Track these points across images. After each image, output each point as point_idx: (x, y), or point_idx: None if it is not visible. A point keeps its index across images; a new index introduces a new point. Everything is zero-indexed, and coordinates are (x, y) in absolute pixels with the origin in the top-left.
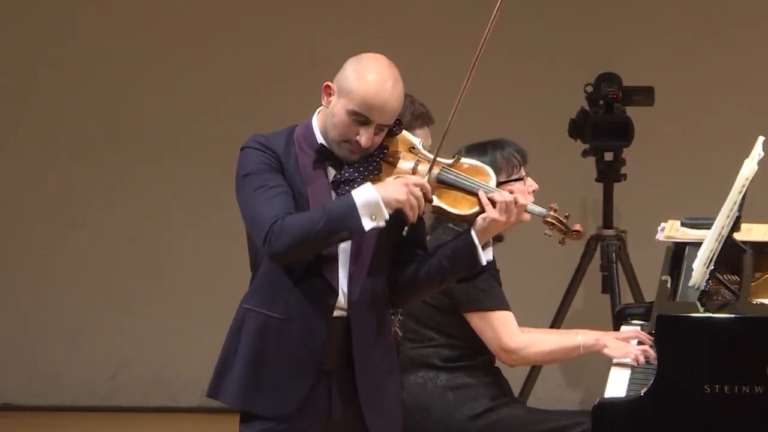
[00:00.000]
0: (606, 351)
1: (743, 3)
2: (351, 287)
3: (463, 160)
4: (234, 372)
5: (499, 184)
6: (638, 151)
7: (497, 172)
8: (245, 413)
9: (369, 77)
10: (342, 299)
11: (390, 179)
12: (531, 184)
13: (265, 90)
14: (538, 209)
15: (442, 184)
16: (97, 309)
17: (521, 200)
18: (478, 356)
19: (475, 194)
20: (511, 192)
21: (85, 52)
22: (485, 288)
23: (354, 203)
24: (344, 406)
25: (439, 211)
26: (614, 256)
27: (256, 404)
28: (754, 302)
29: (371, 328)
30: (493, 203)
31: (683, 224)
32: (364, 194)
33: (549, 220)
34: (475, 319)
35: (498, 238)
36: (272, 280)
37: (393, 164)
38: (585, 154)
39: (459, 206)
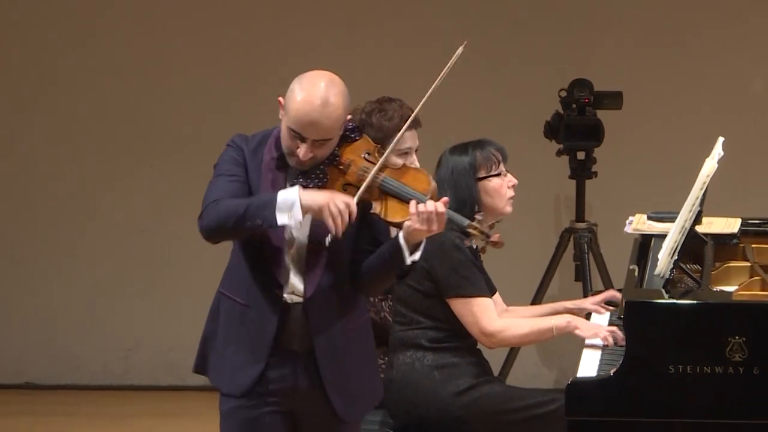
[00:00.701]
0: (577, 331)
1: (702, 15)
2: (307, 284)
3: (409, 167)
4: (209, 350)
5: (478, 180)
6: (608, 150)
7: (477, 169)
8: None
9: (301, 98)
10: (298, 289)
11: (339, 188)
12: (510, 179)
13: (268, 92)
14: (459, 218)
15: (382, 192)
16: (112, 295)
17: (441, 209)
18: (462, 338)
19: (409, 202)
20: (445, 204)
21: (99, 57)
22: (467, 276)
23: (275, 199)
24: (310, 386)
25: (377, 217)
26: (586, 247)
27: (221, 380)
28: (715, 289)
29: (330, 317)
30: (417, 213)
31: (649, 218)
32: (286, 194)
33: (469, 230)
34: (458, 305)
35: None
36: (236, 268)
37: (343, 171)
38: (559, 153)
39: (393, 215)
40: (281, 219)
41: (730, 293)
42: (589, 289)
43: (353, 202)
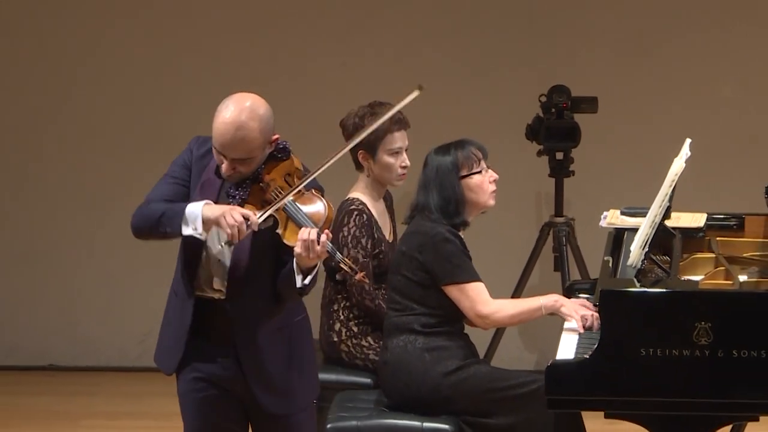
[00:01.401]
0: (563, 309)
1: (671, 27)
2: (230, 279)
3: (316, 195)
4: (160, 336)
5: (462, 178)
6: (584, 151)
7: (460, 168)
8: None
9: (219, 120)
10: (222, 286)
11: (256, 211)
12: (491, 174)
13: (269, 94)
14: (335, 253)
15: (286, 214)
16: (128, 284)
17: (320, 240)
18: (452, 323)
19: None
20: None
21: (118, 63)
22: (459, 264)
23: (183, 212)
24: (235, 378)
25: (278, 238)
26: (564, 239)
27: (157, 360)
28: (683, 279)
29: (253, 317)
30: (301, 240)
31: (623, 213)
32: (192, 207)
33: (341, 264)
34: (453, 291)
35: (461, 224)
36: (177, 261)
37: (263, 189)
38: (539, 153)
39: (288, 238)
40: (186, 230)
41: (697, 282)
42: (567, 279)
43: (254, 216)
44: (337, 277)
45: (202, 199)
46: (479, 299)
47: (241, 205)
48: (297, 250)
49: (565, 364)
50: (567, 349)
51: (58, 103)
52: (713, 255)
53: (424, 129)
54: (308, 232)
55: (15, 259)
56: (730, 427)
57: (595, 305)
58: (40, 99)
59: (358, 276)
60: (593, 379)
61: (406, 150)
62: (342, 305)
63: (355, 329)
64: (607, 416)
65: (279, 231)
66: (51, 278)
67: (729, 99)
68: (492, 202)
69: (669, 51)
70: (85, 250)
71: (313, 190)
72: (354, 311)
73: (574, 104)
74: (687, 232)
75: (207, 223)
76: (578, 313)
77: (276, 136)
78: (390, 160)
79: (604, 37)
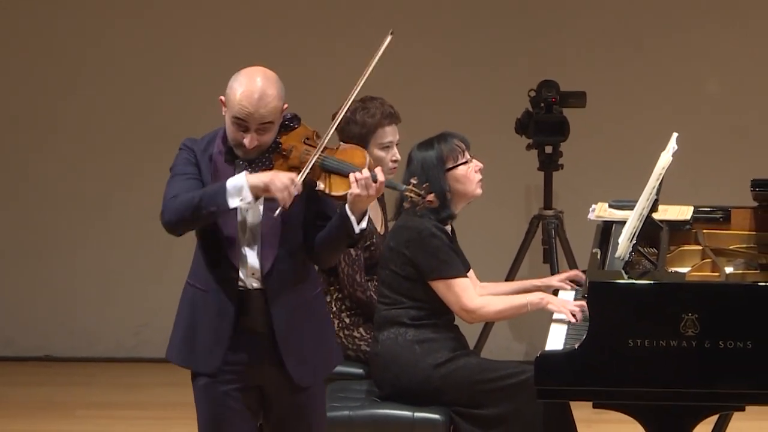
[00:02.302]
0: (549, 306)
1: (658, 23)
2: (263, 263)
3: (343, 146)
4: (176, 336)
5: (448, 170)
6: (573, 145)
7: (445, 160)
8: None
9: (240, 91)
10: (256, 271)
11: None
12: (476, 164)
13: None
14: (395, 184)
15: (324, 170)
16: (124, 277)
17: (380, 178)
18: (440, 316)
19: (347, 176)
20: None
21: (114, 62)
22: (446, 260)
23: (225, 186)
24: (270, 360)
25: (324, 195)
26: (553, 232)
27: (191, 362)
28: (670, 271)
29: (287, 292)
30: (356, 182)
31: (610, 206)
32: (234, 180)
33: (406, 193)
34: (440, 286)
35: (448, 217)
36: (198, 257)
37: (286, 156)
38: (529, 147)
39: (335, 189)
40: (233, 202)
41: (684, 274)
42: (556, 271)
43: (297, 177)
44: (405, 205)
45: None
46: (465, 294)
47: None
48: (355, 191)
49: (554, 354)
50: (556, 339)
51: (57, 99)
52: (700, 247)
53: (415, 123)
54: (362, 172)
55: (12, 251)
56: (716, 416)
57: (583, 297)
58: (38, 96)
59: (429, 198)
60: (582, 369)
61: (396, 144)
62: (334, 297)
63: (347, 320)
64: (595, 406)
65: (320, 188)
66: (47, 270)
67: (715, 94)
68: (479, 191)
69: (657, 47)
70: (82, 242)
71: (341, 143)
72: (346, 302)
73: (562, 99)
74: (674, 225)
75: (255, 190)
76: (566, 307)
77: (286, 105)
78: (381, 153)
79: (593, 32)
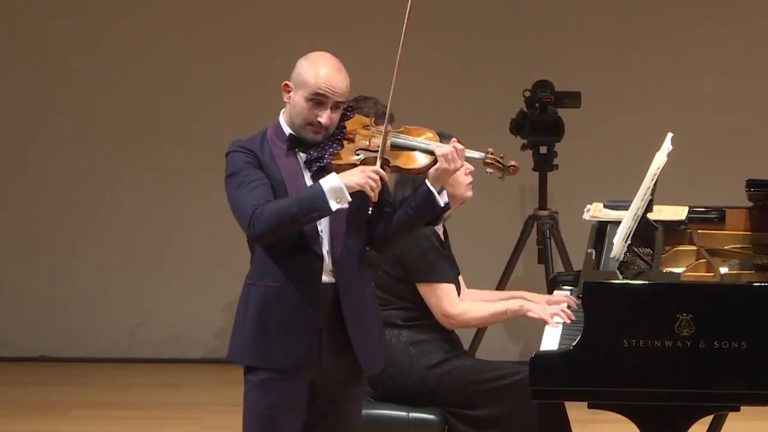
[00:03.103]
0: (529, 313)
1: (655, 20)
2: (333, 253)
3: (409, 127)
4: (245, 337)
5: None
6: (568, 145)
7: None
8: (249, 366)
9: (318, 66)
10: (327, 265)
11: (352, 158)
12: (467, 167)
13: (259, 90)
14: (476, 154)
15: (395, 147)
16: (119, 277)
17: (459, 146)
18: (432, 317)
19: (424, 150)
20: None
21: (108, 60)
22: (432, 262)
23: (322, 190)
24: (335, 357)
25: (397, 170)
26: (548, 232)
27: (267, 361)
28: (665, 271)
29: (353, 281)
30: (443, 156)
31: (605, 206)
32: (329, 182)
33: (488, 161)
34: (424, 288)
35: (437, 219)
36: (268, 256)
37: (352, 140)
38: (524, 147)
39: (411, 163)
40: (334, 205)
41: (679, 274)
42: (551, 271)
43: (380, 169)
44: (488, 171)
45: (291, 179)
46: (447, 300)
47: (332, 160)
48: (442, 165)
49: (549, 355)
50: (551, 340)
51: (54, 98)
52: (695, 247)
53: (409, 123)
54: (442, 146)
55: (7, 251)
56: (711, 416)
57: (578, 297)
58: (32, 96)
59: (512, 163)
60: (576, 370)
61: None
62: None
63: None
64: (590, 406)
65: (396, 164)
66: (43, 270)
67: (710, 94)
68: (469, 193)
69: (651, 47)
70: (76, 243)
71: (404, 125)
72: None
73: (557, 99)
74: (669, 225)
75: (351, 190)
76: (546, 313)
77: None
78: None
79: (588, 33)
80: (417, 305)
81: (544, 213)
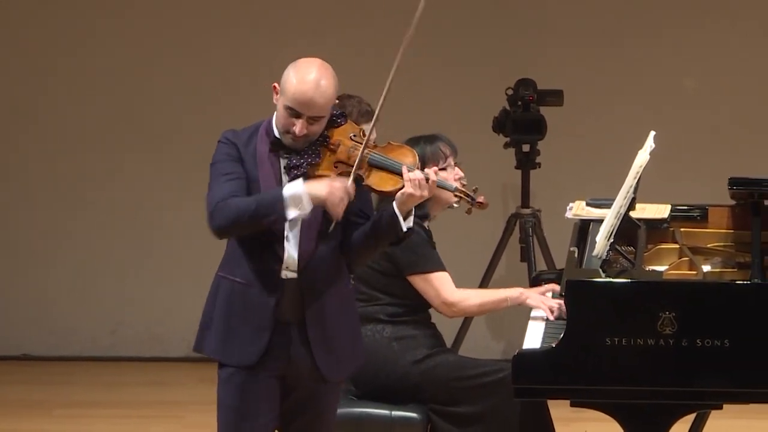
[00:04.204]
0: (528, 301)
1: (638, 18)
2: (301, 254)
3: (392, 144)
4: (212, 329)
5: None
6: (550, 143)
7: (425, 163)
8: (221, 362)
9: (297, 78)
10: (293, 264)
11: (330, 170)
12: (457, 172)
13: (249, 89)
14: (448, 184)
15: (371, 166)
16: (101, 275)
17: (432, 177)
18: (418, 312)
19: (398, 173)
20: (435, 173)
21: (96, 58)
22: (424, 253)
23: (281, 195)
24: (301, 352)
25: (370, 189)
26: (531, 230)
27: (229, 355)
28: (647, 269)
29: (321, 286)
30: (410, 180)
31: (588, 204)
32: (292, 189)
33: (457, 194)
34: (418, 281)
35: (424, 216)
36: (235, 251)
37: (333, 151)
38: (506, 146)
39: (383, 185)
40: (291, 213)
41: (661, 272)
42: (533, 269)
43: (350, 185)
44: (454, 205)
45: (266, 180)
46: (444, 288)
47: (311, 170)
48: (408, 190)
49: (532, 353)
50: (533, 338)
51: (36, 96)
52: (677, 246)
53: (393, 122)
54: (414, 172)
55: None
56: (694, 415)
57: (561, 295)
58: (18, 92)
59: (480, 199)
60: (559, 368)
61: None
62: None
63: None
64: (572, 405)
65: (369, 183)
66: (24, 269)
67: (693, 93)
68: (454, 199)
69: (634, 45)
70: (59, 241)
71: (389, 142)
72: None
73: (540, 97)
74: (651, 223)
75: (314, 201)
76: (545, 303)
77: (336, 100)
78: None
79: (570, 31)
80: (401, 301)
81: (527, 211)
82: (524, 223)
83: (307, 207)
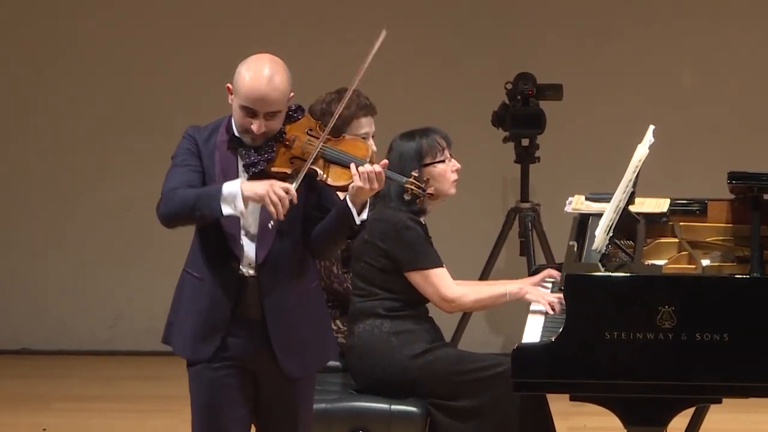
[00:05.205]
0: (528, 296)
1: (637, 12)
2: (258, 251)
3: (347, 137)
4: (174, 323)
5: (425, 166)
6: (549, 137)
7: (422, 156)
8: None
9: (248, 76)
10: (252, 261)
11: (286, 166)
12: (454, 164)
13: None
14: (397, 177)
15: (325, 160)
16: (99, 269)
17: (378, 169)
18: (416, 307)
19: (348, 167)
20: (383, 166)
21: (88, 53)
22: (422, 250)
23: (220, 192)
24: (262, 349)
25: (323, 184)
26: (530, 225)
27: (184, 351)
28: (646, 263)
29: (281, 282)
30: (359, 174)
31: (587, 198)
32: (229, 187)
33: (407, 185)
34: (417, 277)
35: (422, 211)
36: (195, 246)
37: (289, 146)
38: (506, 140)
39: (336, 179)
40: (226, 210)
41: (660, 267)
42: (533, 263)
43: (292, 187)
44: (405, 197)
45: (224, 176)
46: (443, 284)
47: (267, 167)
48: (357, 183)
49: (531, 347)
50: (533, 332)
51: (33, 90)
52: (676, 240)
53: (392, 116)
54: (365, 165)
55: None
56: (693, 409)
57: (560, 289)
58: (11, 87)
59: (430, 190)
60: (558, 362)
61: (372, 136)
62: None
63: None
64: (572, 399)
65: (321, 178)
66: (23, 263)
67: (692, 87)
68: (453, 191)
69: (633, 39)
70: (57, 235)
71: (344, 134)
72: (323, 294)
73: (539, 91)
74: (651, 218)
75: (249, 200)
76: (545, 298)
77: (292, 93)
78: None
79: (570, 25)
80: (400, 296)
81: (526, 205)
82: (524, 218)
83: (239, 206)
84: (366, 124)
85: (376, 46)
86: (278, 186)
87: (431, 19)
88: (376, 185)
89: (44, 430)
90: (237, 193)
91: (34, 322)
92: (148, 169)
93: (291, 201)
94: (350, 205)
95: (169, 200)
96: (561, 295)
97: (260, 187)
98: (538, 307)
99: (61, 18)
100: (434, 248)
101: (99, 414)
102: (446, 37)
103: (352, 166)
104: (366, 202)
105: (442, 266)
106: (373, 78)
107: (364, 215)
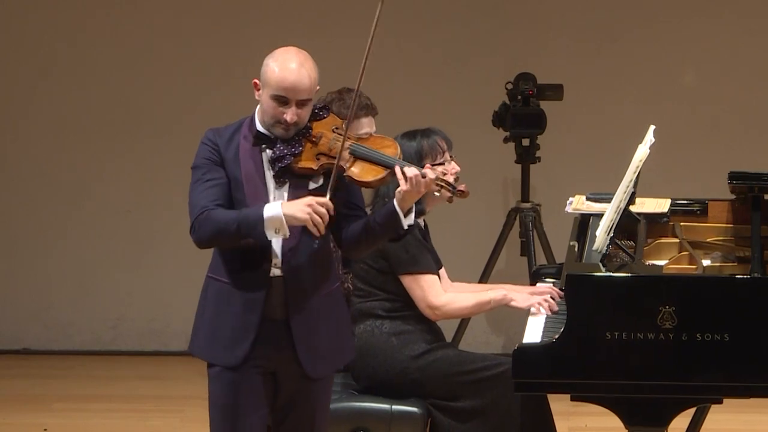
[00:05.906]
0: (513, 303)
1: (637, 12)
2: (284, 252)
3: (375, 136)
4: (201, 330)
5: (423, 167)
6: (550, 138)
7: (422, 157)
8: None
9: (278, 67)
10: (278, 262)
11: (313, 162)
12: (453, 167)
13: (240, 84)
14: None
15: (353, 157)
16: (101, 270)
17: (430, 175)
18: (415, 308)
19: (384, 165)
20: (431, 169)
21: (90, 52)
22: (415, 254)
23: (262, 217)
24: (285, 349)
25: (351, 180)
26: (531, 225)
27: (215, 356)
28: (647, 263)
29: (306, 282)
30: (405, 178)
31: (588, 199)
32: (271, 210)
33: (438, 182)
34: (407, 280)
35: (420, 212)
36: (221, 252)
37: (315, 142)
38: (506, 140)
39: (365, 176)
40: (270, 235)
41: (661, 267)
42: (533, 263)
43: (329, 202)
44: (435, 194)
45: (248, 179)
46: (431, 291)
47: (293, 161)
48: (404, 188)
49: (532, 347)
50: (533, 332)
51: (33, 90)
52: (677, 240)
53: (392, 116)
54: (410, 169)
55: None
56: (694, 409)
57: (561, 289)
58: (11, 87)
59: (461, 188)
60: (559, 362)
61: None
62: None
63: None
64: (573, 399)
65: (350, 175)
66: (25, 264)
67: (692, 87)
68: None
69: (633, 39)
70: (59, 235)
71: (371, 133)
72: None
73: (540, 91)
74: (651, 218)
75: (292, 224)
76: (529, 302)
77: (318, 87)
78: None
79: (570, 25)
80: (399, 296)
81: (527, 205)
82: (524, 218)
83: (286, 230)
84: (366, 124)
85: (376, 17)
86: (316, 204)
87: (432, 20)
88: (423, 189)
89: (45, 430)
90: (281, 217)
91: (35, 322)
92: (149, 170)
93: (331, 212)
94: (398, 209)
95: (206, 225)
96: (547, 290)
97: (300, 211)
98: (528, 307)
99: (62, 18)
100: (430, 253)
101: (100, 414)
102: (447, 37)
103: (397, 169)
104: (412, 206)
105: (434, 273)
106: (374, 78)
107: (411, 219)
